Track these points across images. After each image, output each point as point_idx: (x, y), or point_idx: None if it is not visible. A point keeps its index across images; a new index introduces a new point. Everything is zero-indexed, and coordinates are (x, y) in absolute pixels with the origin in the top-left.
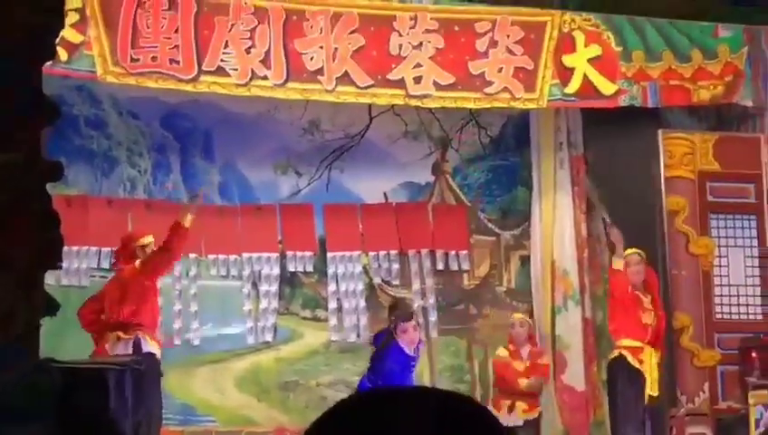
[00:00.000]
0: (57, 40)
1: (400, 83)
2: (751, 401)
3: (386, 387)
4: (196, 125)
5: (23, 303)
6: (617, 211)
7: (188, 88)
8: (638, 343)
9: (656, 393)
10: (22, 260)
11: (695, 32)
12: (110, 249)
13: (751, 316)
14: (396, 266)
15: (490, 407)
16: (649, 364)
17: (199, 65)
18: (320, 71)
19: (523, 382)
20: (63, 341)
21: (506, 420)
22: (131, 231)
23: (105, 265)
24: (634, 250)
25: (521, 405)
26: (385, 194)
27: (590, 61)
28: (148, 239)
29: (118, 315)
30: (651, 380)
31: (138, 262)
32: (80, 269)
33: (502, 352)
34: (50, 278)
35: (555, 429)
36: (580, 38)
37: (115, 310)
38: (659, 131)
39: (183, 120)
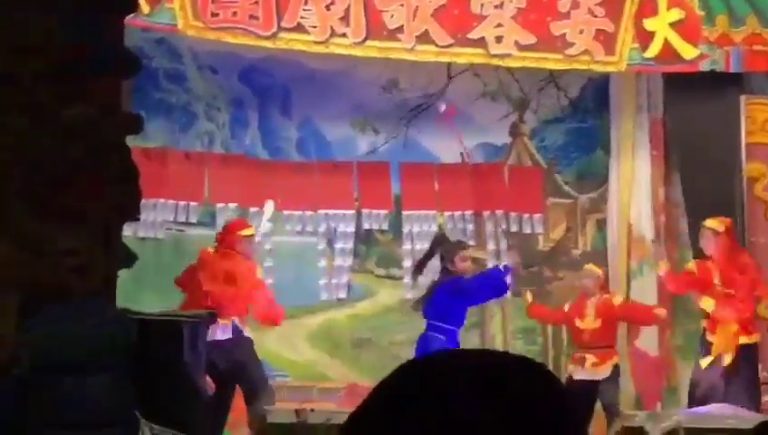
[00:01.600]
0: None
1: (481, 43)
2: None
3: (439, 352)
4: (274, 81)
5: (101, 254)
6: (696, 177)
7: (267, 44)
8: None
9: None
10: (100, 212)
11: None
12: (186, 203)
13: None
14: (471, 227)
15: (562, 363)
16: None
17: (279, 22)
18: (400, 29)
19: (586, 331)
20: (140, 292)
21: (581, 374)
22: (236, 220)
23: (181, 218)
24: None
25: (590, 359)
26: (462, 154)
27: (671, 24)
28: (250, 232)
29: (218, 298)
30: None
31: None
32: (156, 222)
33: (567, 307)
34: (127, 230)
35: (627, 393)
36: (662, 1)
37: (216, 291)
38: (742, 97)
39: (262, 75)
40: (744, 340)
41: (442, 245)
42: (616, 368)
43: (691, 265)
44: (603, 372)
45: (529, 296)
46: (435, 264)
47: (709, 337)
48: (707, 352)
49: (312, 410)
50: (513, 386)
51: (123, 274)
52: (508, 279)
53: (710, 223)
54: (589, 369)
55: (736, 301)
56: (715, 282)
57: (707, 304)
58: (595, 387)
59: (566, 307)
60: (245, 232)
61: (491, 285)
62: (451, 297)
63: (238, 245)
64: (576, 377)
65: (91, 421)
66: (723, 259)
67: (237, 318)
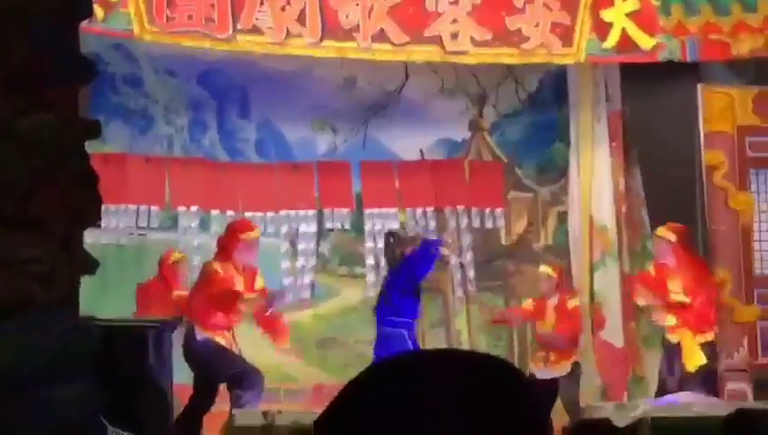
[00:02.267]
0: None
1: (437, 40)
2: None
3: (407, 353)
4: (232, 83)
5: (63, 262)
6: (655, 166)
7: (224, 47)
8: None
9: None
10: (61, 219)
11: None
12: (147, 207)
13: None
14: (433, 223)
15: (529, 361)
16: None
17: (235, 24)
18: (355, 28)
19: (546, 333)
20: (103, 298)
21: (543, 373)
22: (239, 221)
23: (143, 222)
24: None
25: (551, 356)
26: (421, 151)
27: (628, 15)
28: (254, 234)
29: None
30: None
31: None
32: (117, 228)
33: (526, 304)
34: (88, 237)
35: (593, 384)
36: None
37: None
38: (698, 86)
39: (219, 77)
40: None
41: (394, 241)
42: (576, 365)
43: (650, 267)
44: (563, 370)
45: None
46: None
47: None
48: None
49: (280, 411)
50: (486, 393)
51: (86, 280)
52: (441, 250)
53: (661, 232)
54: (550, 367)
55: (694, 312)
56: (670, 289)
57: (669, 320)
58: (556, 384)
59: (529, 305)
60: (248, 235)
61: (426, 255)
62: (401, 290)
63: (237, 253)
64: (538, 375)
65: (59, 430)
66: (680, 268)
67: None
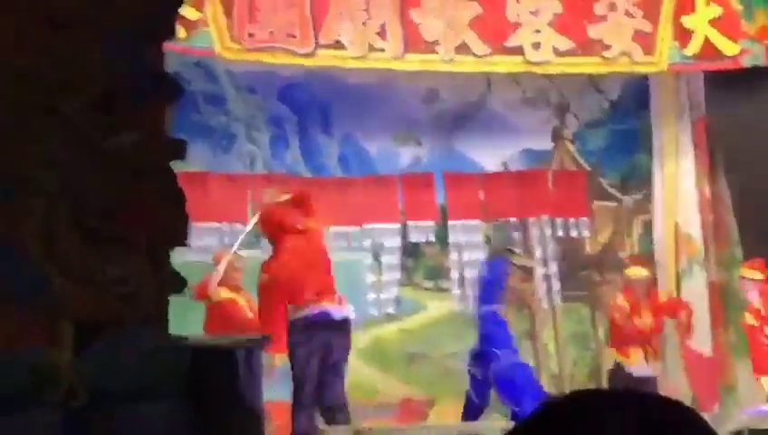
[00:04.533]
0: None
1: (519, 50)
2: None
3: (587, 390)
4: (313, 97)
5: (150, 281)
6: (742, 174)
7: (305, 62)
8: None
9: None
10: (148, 239)
11: None
12: (230, 225)
13: None
14: (517, 234)
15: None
16: None
17: (316, 39)
18: (437, 41)
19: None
20: (192, 317)
21: (639, 369)
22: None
23: (227, 240)
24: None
25: (635, 351)
26: (505, 162)
27: (710, 21)
28: None
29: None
30: None
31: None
32: (202, 246)
33: (621, 300)
34: (176, 256)
35: (683, 394)
36: None
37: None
38: None
39: (300, 92)
40: None
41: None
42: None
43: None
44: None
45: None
46: None
47: None
48: None
49: (371, 428)
50: (665, 427)
51: (174, 299)
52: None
53: (745, 272)
54: (649, 361)
55: None
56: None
57: None
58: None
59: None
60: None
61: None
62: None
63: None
64: (635, 372)
65: None
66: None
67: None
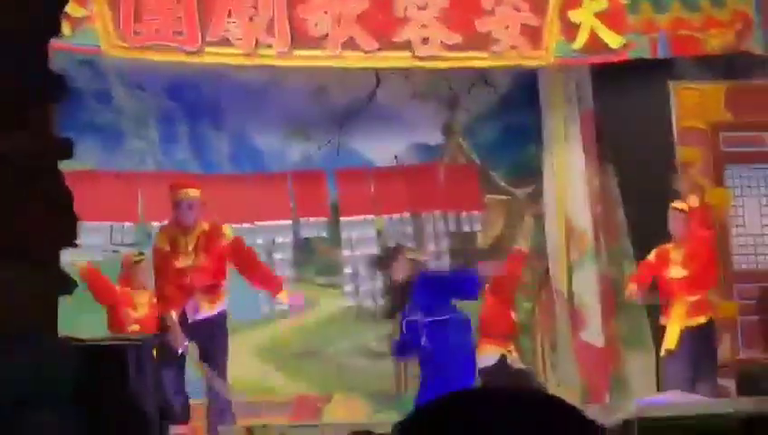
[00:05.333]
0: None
1: (407, 45)
2: None
3: (476, 389)
4: (203, 94)
5: (40, 284)
6: (630, 165)
7: (193, 60)
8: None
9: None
10: (37, 240)
11: None
12: (120, 224)
13: None
14: (409, 229)
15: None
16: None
17: (203, 36)
18: (325, 37)
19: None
20: (80, 317)
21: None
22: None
23: (117, 239)
24: None
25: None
26: (396, 156)
27: (596, 14)
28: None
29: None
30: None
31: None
32: (92, 245)
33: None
34: (64, 256)
35: (574, 386)
36: None
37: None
38: (670, 83)
39: (189, 89)
40: (696, 321)
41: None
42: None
43: (650, 255)
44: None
45: None
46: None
47: (662, 321)
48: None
49: (265, 425)
50: (553, 425)
51: (62, 300)
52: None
53: (676, 203)
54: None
55: (689, 278)
56: (671, 259)
57: (674, 271)
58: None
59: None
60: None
61: (470, 282)
62: (432, 291)
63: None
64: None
65: None
66: (688, 238)
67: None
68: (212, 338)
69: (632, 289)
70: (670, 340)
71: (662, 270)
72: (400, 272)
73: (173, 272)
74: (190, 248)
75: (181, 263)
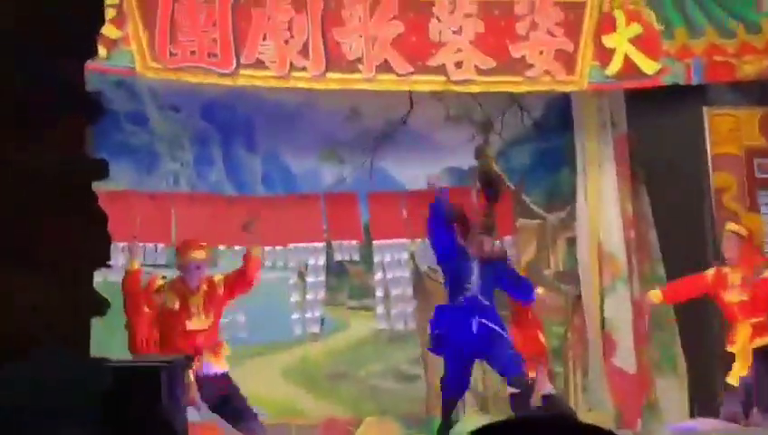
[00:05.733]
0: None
1: (441, 69)
2: None
3: (524, 416)
4: (236, 116)
5: (72, 303)
6: (663, 190)
7: (227, 82)
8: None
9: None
10: (70, 260)
11: (737, 6)
12: (154, 245)
13: None
14: None
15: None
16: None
17: (238, 58)
18: (359, 59)
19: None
20: (113, 338)
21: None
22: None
23: (150, 260)
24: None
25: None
26: (428, 180)
27: (630, 40)
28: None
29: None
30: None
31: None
32: (124, 266)
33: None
34: (98, 276)
35: (607, 412)
36: (620, 17)
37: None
38: (704, 108)
39: (224, 111)
40: (759, 342)
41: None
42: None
43: (708, 272)
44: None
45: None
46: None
47: (729, 347)
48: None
49: None
50: None
51: (95, 321)
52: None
53: (731, 226)
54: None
55: (752, 306)
56: (729, 282)
57: (733, 295)
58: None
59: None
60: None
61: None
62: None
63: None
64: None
65: None
66: (743, 262)
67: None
68: (227, 389)
69: (656, 295)
70: (741, 366)
71: (719, 292)
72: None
73: (183, 333)
74: (200, 309)
75: (193, 325)
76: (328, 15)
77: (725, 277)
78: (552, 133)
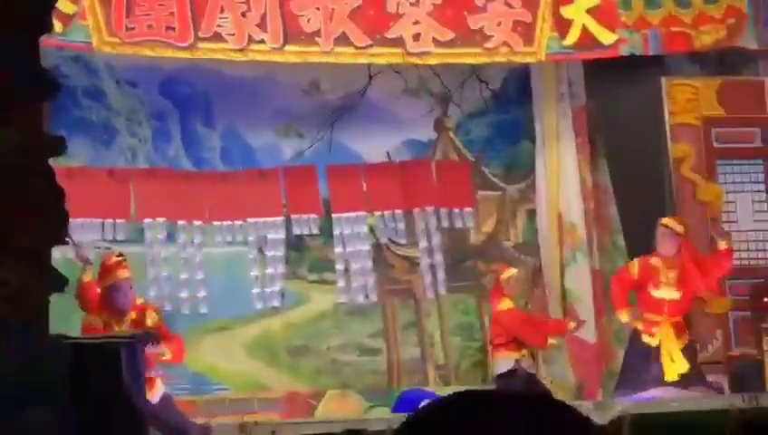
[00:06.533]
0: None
1: (399, 41)
2: (765, 346)
3: (478, 390)
4: (195, 91)
5: (32, 280)
6: (622, 161)
7: (185, 55)
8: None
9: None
10: (28, 237)
11: None
12: (112, 221)
13: (761, 262)
14: (401, 226)
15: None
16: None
17: (195, 32)
18: (317, 32)
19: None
20: (72, 314)
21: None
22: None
23: (109, 236)
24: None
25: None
26: (388, 153)
27: (588, 11)
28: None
29: None
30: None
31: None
32: (83, 242)
33: (630, 265)
34: (56, 253)
35: (567, 382)
36: None
37: None
38: (662, 78)
39: (182, 85)
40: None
41: None
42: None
43: (634, 265)
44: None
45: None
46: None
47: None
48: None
49: (257, 423)
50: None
51: (54, 297)
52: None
53: (667, 221)
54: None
55: (680, 308)
56: (661, 280)
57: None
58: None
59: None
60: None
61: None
62: None
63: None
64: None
65: None
66: (678, 260)
67: None
68: (163, 412)
69: (623, 316)
70: (680, 365)
71: (647, 286)
72: None
73: None
74: None
75: None
76: None
77: (656, 271)
78: (511, 105)
